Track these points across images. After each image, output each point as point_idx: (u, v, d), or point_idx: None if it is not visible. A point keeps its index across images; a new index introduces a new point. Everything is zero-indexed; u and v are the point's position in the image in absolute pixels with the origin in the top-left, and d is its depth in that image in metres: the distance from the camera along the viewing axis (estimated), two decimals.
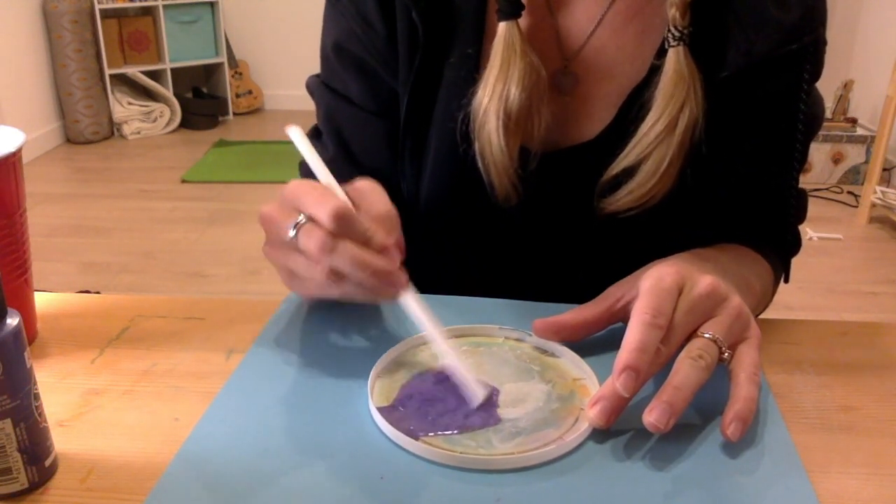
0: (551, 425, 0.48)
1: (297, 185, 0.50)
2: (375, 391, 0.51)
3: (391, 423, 0.47)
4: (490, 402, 0.50)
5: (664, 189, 0.62)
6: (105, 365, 0.56)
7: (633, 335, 0.47)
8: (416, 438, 0.46)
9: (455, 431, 0.47)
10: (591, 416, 0.47)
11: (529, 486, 0.43)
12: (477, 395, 0.49)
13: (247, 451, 0.46)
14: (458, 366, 0.50)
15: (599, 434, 0.48)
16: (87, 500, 0.43)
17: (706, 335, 0.49)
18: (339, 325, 0.60)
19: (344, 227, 0.47)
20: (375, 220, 0.50)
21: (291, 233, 0.49)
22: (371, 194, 0.52)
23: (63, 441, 0.47)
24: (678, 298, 0.49)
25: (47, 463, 0.44)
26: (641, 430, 0.47)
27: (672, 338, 0.48)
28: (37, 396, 0.43)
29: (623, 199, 0.63)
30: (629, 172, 0.62)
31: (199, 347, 0.58)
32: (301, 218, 0.49)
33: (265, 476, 0.44)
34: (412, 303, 0.51)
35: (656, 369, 0.48)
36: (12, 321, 0.41)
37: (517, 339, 0.57)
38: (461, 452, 0.45)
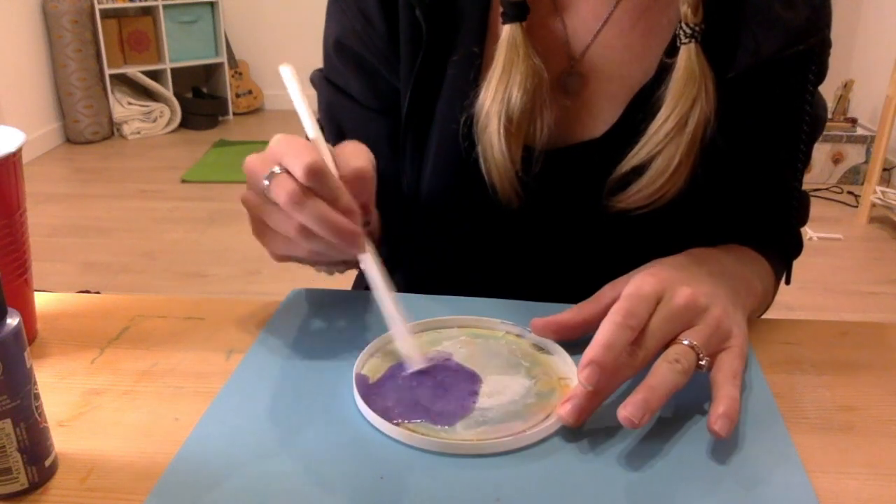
0: (520, 418, 0.49)
1: (281, 138, 0.51)
2: (365, 365, 0.54)
3: (368, 400, 0.49)
4: (471, 391, 0.51)
5: (674, 188, 0.62)
6: (105, 365, 0.56)
7: (602, 333, 0.48)
8: (388, 419, 0.48)
9: (424, 419, 0.48)
10: (561, 413, 0.47)
11: (530, 486, 0.43)
12: (413, 360, 0.51)
13: (247, 451, 0.46)
14: (402, 331, 0.51)
15: (571, 430, 0.48)
16: (87, 500, 0.43)
17: (684, 342, 0.50)
18: (339, 325, 0.60)
19: (315, 183, 0.48)
20: (347, 179, 0.51)
21: (266, 182, 0.49)
22: (349, 155, 0.53)
23: (63, 441, 0.47)
24: (656, 306, 0.50)
25: (47, 463, 0.44)
26: (639, 432, 0.47)
27: (647, 342, 0.49)
28: (37, 396, 0.43)
29: (633, 197, 0.63)
30: (638, 171, 0.62)
31: (199, 347, 0.58)
32: (277, 169, 0.49)
33: (265, 476, 0.44)
34: (370, 266, 0.52)
35: (631, 373, 0.49)
36: (12, 321, 0.41)
37: (517, 335, 0.58)
38: (423, 434, 0.47)
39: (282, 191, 0.48)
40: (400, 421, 0.48)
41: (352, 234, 0.49)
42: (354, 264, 0.62)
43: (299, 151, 0.49)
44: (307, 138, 0.54)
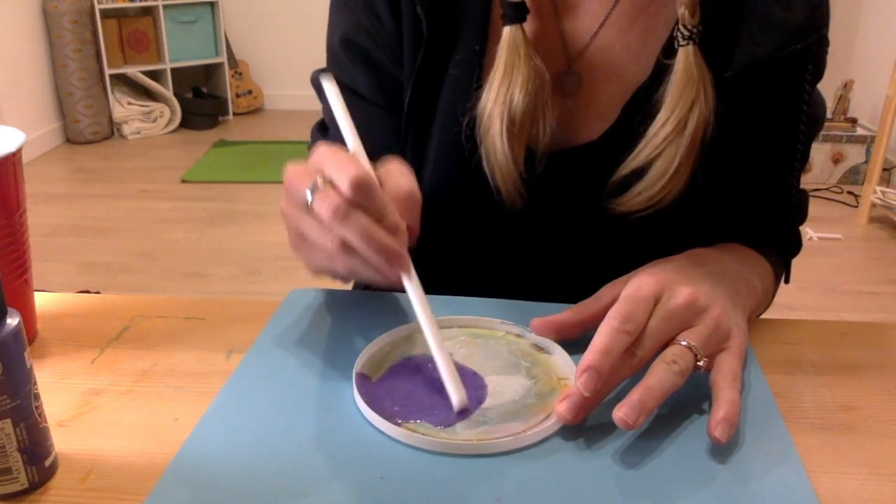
0: (520, 419, 0.48)
1: (325, 149, 0.50)
2: (365, 364, 0.53)
3: (368, 400, 0.49)
4: (476, 396, 0.50)
5: (675, 190, 0.62)
6: (105, 365, 0.56)
7: (599, 338, 0.48)
8: (388, 419, 0.47)
9: (425, 420, 0.48)
10: (559, 410, 0.47)
11: (530, 486, 0.43)
12: (453, 398, 0.48)
13: (247, 451, 0.46)
14: (443, 364, 0.50)
15: (573, 430, 0.48)
16: (87, 500, 0.43)
17: (682, 343, 0.50)
18: (339, 326, 0.60)
19: (361, 198, 0.47)
20: (395, 199, 0.49)
21: (308, 194, 0.48)
22: (396, 173, 0.52)
23: (63, 441, 0.47)
24: (654, 307, 0.50)
25: (47, 463, 0.44)
26: (637, 432, 0.47)
27: (645, 344, 0.49)
28: (37, 396, 0.43)
29: (633, 200, 0.63)
30: (639, 173, 0.62)
31: (199, 347, 0.58)
32: (320, 181, 0.48)
33: (265, 476, 0.44)
34: (412, 290, 0.50)
35: (629, 373, 0.49)
36: (12, 321, 0.41)
37: (517, 335, 0.58)
38: (423, 434, 0.46)
39: (326, 204, 0.46)
40: (400, 421, 0.48)
41: (395, 254, 0.48)
42: (392, 286, 0.62)
43: (345, 164, 0.47)
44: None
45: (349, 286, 0.78)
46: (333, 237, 0.48)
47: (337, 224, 0.46)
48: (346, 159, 0.48)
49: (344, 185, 0.46)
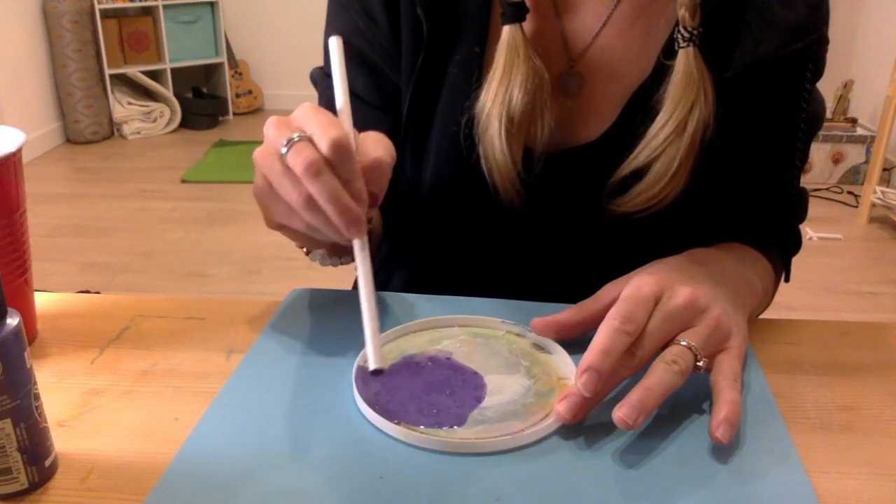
0: (518, 418, 0.49)
1: (309, 106, 0.50)
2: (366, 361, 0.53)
3: (367, 397, 0.49)
4: (475, 396, 0.51)
5: (675, 191, 0.62)
6: (105, 365, 0.56)
7: (599, 338, 0.48)
8: (386, 416, 0.48)
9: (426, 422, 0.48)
10: (558, 410, 0.48)
11: (530, 485, 0.43)
12: (372, 360, 0.48)
13: (247, 451, 0.46)
14: (367, 327, 0.49)
15: (575, 430, 0.48)
16: (87, 500, 0.43)
17: (682, 343, 0.50)
18: (339, 325, 0.60)
19: (337, 159, 0.47)
20: (362, 166, 0.50)
21: (283, 147, 0.48)
22: (371, 141, 0.52)
23: (63, 441, 0.47)
24: (655, 307, 0.50)
25: (47, 463, 0.44)
26: (637, 432, 0.47)
27: (645, 344, 0.49)
28: (37, 396, 0.43)
29: (633, 200, 0.63)
30: (638, 174, 0.62)
31: (199, 347, 0.58)
32: (296, 137, 0.48)
33: (265, 476, 0.44)
34: (360, 258, 0.51)
35: (629, 373, 0.49)
36: (12, 321, 0.41)
37: (517, 335, 0.58)
38: (422, 432, 0.47)
39: (301, 158, 0.47)
40: (398, 420, 0.48)
41: (355, 219, 0.48)
42: (340, 254, 0.62)
43: (327, 123, 0.48)
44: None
45: (349, 286, 0.78)
46: (301, 191, 0.48)
47: (308, 179, 0.47)
48: (330, 120, 0.49)
49: (323, 143, 0.47)
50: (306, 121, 0.49)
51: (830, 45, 0.67)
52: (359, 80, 0.69)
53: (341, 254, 0.62)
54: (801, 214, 0.73)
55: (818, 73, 0.65)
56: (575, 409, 0.47)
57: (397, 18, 0.65)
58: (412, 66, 0.66)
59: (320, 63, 0.73)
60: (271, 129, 0.50)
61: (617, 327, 0.48)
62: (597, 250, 0.67)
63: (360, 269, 0.51)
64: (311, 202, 0.48)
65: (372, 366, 0.48)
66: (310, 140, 0.48)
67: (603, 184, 0.64)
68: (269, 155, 0.50)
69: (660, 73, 0.62)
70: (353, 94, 0.70)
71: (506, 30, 0.62)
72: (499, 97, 0.61)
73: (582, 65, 0.65)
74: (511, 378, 0.53)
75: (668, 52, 0.61)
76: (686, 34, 0.59)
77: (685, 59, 0.60)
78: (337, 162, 0.47)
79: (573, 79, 0.65)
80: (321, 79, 0.72)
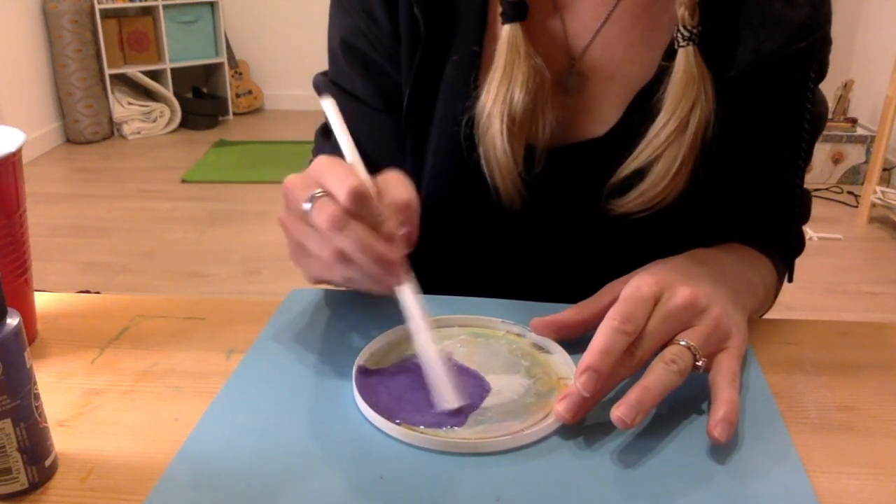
0: (518, 418, 0.49)
1: (323, 160, 0.50)
2: (368, 360, 0.54)
3: (367, 397, 0.49)
4: (474, 397, 0.51)
5: (676, 191, 0.62)
6: (105, 365, 0.56)
7: (599, 339, 0.48)
8: (386, 416, 0.48)
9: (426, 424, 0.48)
10: (558, 410, 0.48)
11: (530, 485, 0.43)
12: (448, 400, 0.49)
13: (246, 451, 0.46)
14: (438, 369, 0.50)
15: (577, 430, 0.48)
16: (87, 500, 0.43)
17: (681, 342, 0.50)
18: (339, 325, 0.60)
19: (358, 207, 0.47)
20: (392, 208, 0.50)
21: (307, 205, 0.48)
22: (394, 182, 0.52)
23: (63, 441, 0.47)
24: (654, 307, 0.50)
25: (47, 463, 0.44)
26: (636, 432, 0.47)
27: (644, 344, 0.49)
28: (37, 396, 0.43)
29: (634, 201, 0.63)
30: (639, 174, 0.62)
31: (199, 347, 0.58)
32: (318, 192, 0.48)
33: (265, 476, 0.44)
34: (408, 297, 0.51)
35: (628, 373, 0.49)
36: (12, 321, 0.41)
37: (517, 335, 0.58)
38: (422, 432, 0.47)
39: (323, 214, 0.47)
40: (399, 421, 0.48)
41: (390, 263, 0.48)
42: (389, 293, 0.62)
43: (343, 175, 0.48)
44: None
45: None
46: (330, 247, 0.48)
47: (334, 234, 0.47)
48: (345, 171, 0.49)
49: (341, 195, 0.47)
50: (322, 175, 0.49)
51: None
52: (361, 84, 0.69)
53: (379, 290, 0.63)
54: (804, 215, 0.73)
55: (822, 73, 0.65)
56: (574, 409, 0.47)
57: (398, 18, 0.65)
58: (410, 65, 0.66)
59: (321, 63, 0.73)
60: (289, 188, 0.50)
61: (616, 327, 0.48)
62: (597, 251, 0.67)
63: (413, 314, 0.50)
64: (342, 256, 0.48)
65: (451, 406, 0.48)
66: (329, 195, 0.48)
67: (604, 183, 0.64)
68: (294, 217, 0.50)
69: (663, 73, 0.62)
70: (356, 100, 0.70)
71: (506, 28, 0.62)
72: (500, 97, 0.61)
73: (583, 63, 0.65)
74: (511, 378, 0.53)
75: (671, 52, 0.61)
76: (685, 33, 0.59)
77: (685, 59, 0.60)
78: (359, 210, 0.47)
79: (574, 77, 0.65)
80: (325, 85, 0.72)
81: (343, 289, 0.69)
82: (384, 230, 0.49)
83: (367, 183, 0.50)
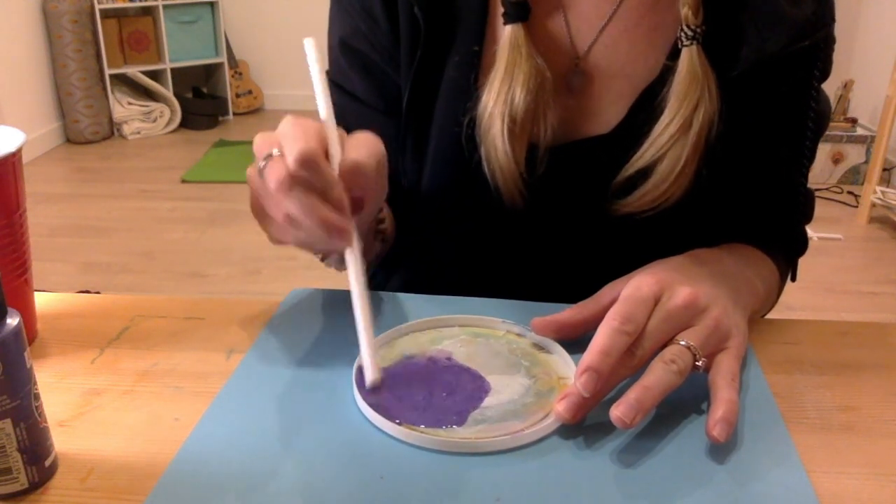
0: (518, 418, 0.49)
1: (290, 120, 0.50)
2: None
3: (367, 397, 0.49)
4: (477, 396, 0.51)
5: (680, 190, 0.62)
6: (105, 365, 0.56)
7: (599, 339, 0.48)
8: (389, 418, 0.47)
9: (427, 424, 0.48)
10: (558, 409, 0.48)
11: (530, 485, 0.43)
12: (367, 371, 0.49)
13: (247, 451, 0.46)
14: (366, 340, 0.49)
15: (574, 430, 0.48)
16: (87, 500, 0.43)
17: (681, 343, 0.49)
18: (339, 326, 0.60)
19: (305, 172, 0.47)
20: (342, 171, 0.49)
21: (262, 163, 0.49)
22: (355, 145, 0.51)
23: (63, 441, 0.47)
24: (654, 307, 0.50)
25: (47, 463, 0.44)
26: (636, 432, 0.47)
27: (645, 344, 0.49)
28: (37, 396, 0.43)
29: (637, 201, 0.63)
30: (643, 174, 0.62)
31: (199, 347, 0.58)
32: (275, 151, 0.48)
33: (265, 476, 0.44)
34: (350, 264, 0.50)
35: (629, 373, 0.49)
36: (12, 321, 0.41)
37: (517, 334, 0.58)
38: (422, 431, 0.47)
39: (273, 175, 0.47)
40: (399, 421, 0.48)
41: (338, 228, 0.48)
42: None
43: (298, 137, 0.48)
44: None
45: (349, 286, 0.78)
46: (280, 209, 0.48)
47: (282, 196, 0.47)
48: (303, 132, 0.48)
49: (290, 158, 0.47)
50: (283, 135, 0.49)
51: None
52: (361, 84, 0.69)
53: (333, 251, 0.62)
54: (808, 214, 0.73)
55: (826, 72, 0.65)
56: (574, 409, 0.47)
57: (398, 18, 0.65)
58: (410, 65, 0.66)
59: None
60: (256, 145, 0.50)
61: (616, 327, 0.48)
62: (599, 250, 0.67)
63: (352, 280, 0.50)
64: (290, 218, 0.48)
65: (368, 379, 0.49)
66: (282, 155, 0.48)
67: (607, 183, 0.64)
68: (255, 172, 0.50)
69: (667, 73, 0.62)
70: (356, 100, 0.70)
71: (508, 29, 0.62)
72: (501, 97, 0.61)
73: (586, 63, 0.65)
74: (511, 378, 0.53)
75: (675, 52, 0.61)
76: (689, 32, 0.59)
77: (689, 58, 0.60)
78: (307, 175, 0.47)
79: (578, 77, 0.65)
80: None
81: (344, 288, 0.69)
82: (332, 195, 0.48)
83: (333, 142, 0.50)
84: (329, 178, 0.48)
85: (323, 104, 0.53)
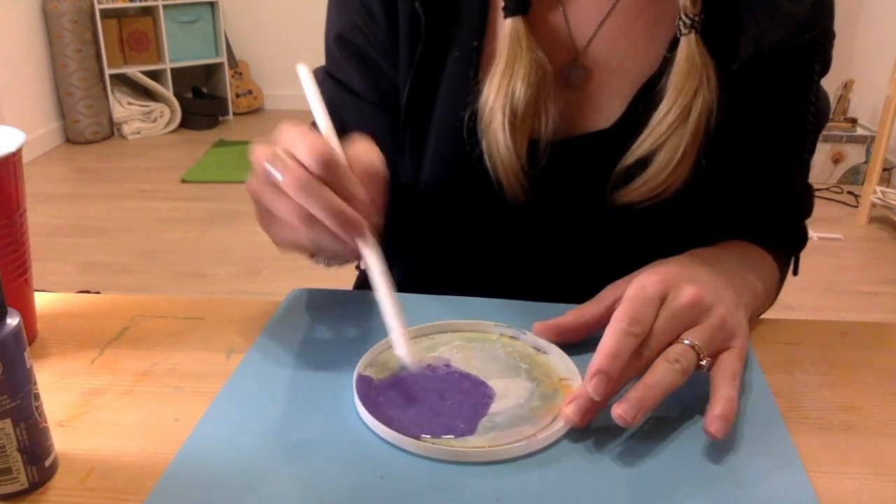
0: (528, 422, 0.48)
1: (289, 126, 0.51)
2: (368, 367, 0.53)
3: (370, 406, 0.49)
4: (482, 403, 0.50)
5: (679, 180, 0.62)
6: (105, 365, 0.56)
7: (608, 341, 0.48)
8: (395, 427, 0.47)
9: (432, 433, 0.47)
10: (566, 413, 0.47)
11: (530, 486, 0.43)
12: (409, 363, 0.49)
13: (247, 451, 0.46)
14: (399, 333, 0.49)
15: (576, 433, 0.48)
16: (87, 500, 0.43)
17: (685, 342, 0.49)
18: (339, 326, 0.60)
19: (325, 172, 0.48)
20: (359, 176, 0.50)
21: (272, 168, 0.49)
22: (362, 152, 0.52)
23: (63, 441, 0.47)
24: (660, 307, 0.50)
25: (47, 463, 0.44)
26: (640, 433, 0.47)
27: (651, 344, 0.49)
28: (37, 396, 0.43)
29: (637, 190, 0.63)
30: (643, 163, 0.62)
31: (199, 347, 0.58)
32: (283, 156, 0.49)
33: (265, 476, 0.44)
34: (371, 260, 0.51)
35: (635, 373, 0.49)
36: (12, 321, 0.41)
37: (512, 337, 0.57)
38: (433, 443, 0.46)
39: (289, 176, 0.48)
40: (412, 433, 0.47)
41: (355, 223, 0.49)
42: (355, 257, 0.62)
43: (310, 140, 0.49)
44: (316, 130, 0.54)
45: (349, 286, 0.78)
46: (298, 209, 0.49)
47: (300, 195, 0.48)
48: (310, 135, 0.49)
49: (309, 159, 0.48)
50: (289, 140, 0.50)
51: None
52: (357, 78, 0.69)
53: (345, 253, 0.62)
54: (808, 209, 0.73)
55: (825, 66, 0.65)
56: (583, 412, 0.47)
57: (396, 14, 0.65)
58: (410, 60, 0.66)
59: (321, 64, 0.73)
60: (256, 154, 0.51)
61: (625, 329, 0.48)
62: (601, 245, 0.67)
63: (374, 269, 0.50)
64: (309, 217, 0.49)
65: (409, 362, 0.49)
66: (295, 159, 0.48)
67: (607, 175, 0.64)
68: (261, 181, 0.51)
69: (667, 64, 0.62)
70: (352, 93, 0.70)
71: (508, 22, 0.62)
72: (502, 91, 0.61)
73: (586, 57, 0.65)
74: (514, 382, 0.52)
75: (675, 44, 0.61)
76: (687, 21, 0.59)
77: (687, 47, 0.60)
78: (326, 174, 0.48)
79: (578, 71, 0.65)
80: (322, 77, 0.72)
81: (344, 288, 0.69)
82: (348, 191, 0.49)
83: (337, 150, 0.51)
84: (347, 177, 0.49)
85: (323, 121, 0.54)
